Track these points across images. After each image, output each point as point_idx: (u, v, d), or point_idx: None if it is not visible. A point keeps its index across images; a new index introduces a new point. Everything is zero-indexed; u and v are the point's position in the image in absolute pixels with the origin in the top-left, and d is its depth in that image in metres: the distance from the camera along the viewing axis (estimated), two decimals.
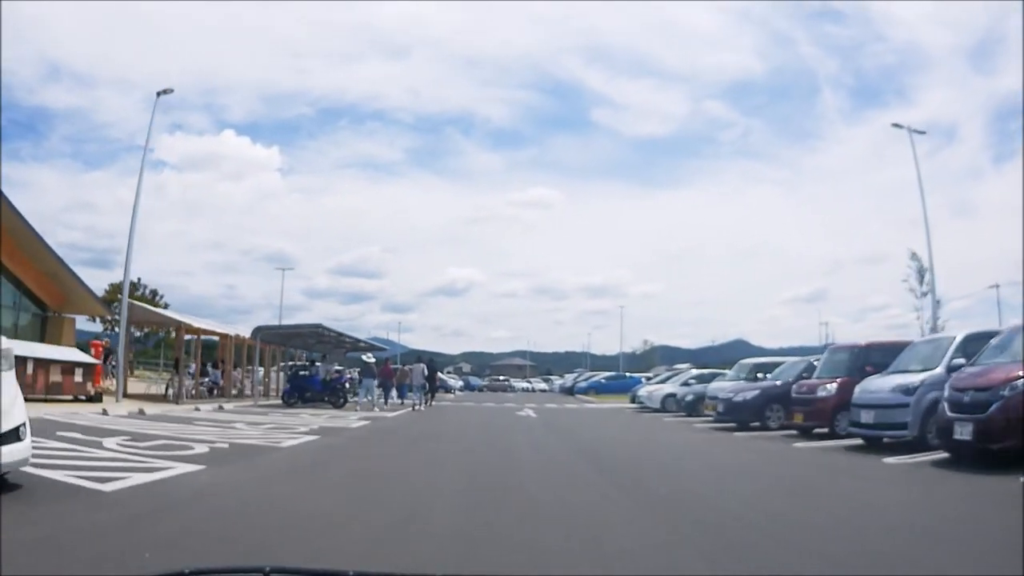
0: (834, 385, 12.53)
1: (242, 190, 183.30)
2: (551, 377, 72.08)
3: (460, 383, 47.55)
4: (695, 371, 23.88)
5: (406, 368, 24.97)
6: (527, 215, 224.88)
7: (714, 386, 18.84)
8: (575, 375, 52.42)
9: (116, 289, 52.30)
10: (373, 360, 22.01)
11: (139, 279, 57.05)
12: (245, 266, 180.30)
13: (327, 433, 11.57)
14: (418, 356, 23.94)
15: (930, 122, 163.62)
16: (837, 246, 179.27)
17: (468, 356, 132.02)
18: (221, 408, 17.90)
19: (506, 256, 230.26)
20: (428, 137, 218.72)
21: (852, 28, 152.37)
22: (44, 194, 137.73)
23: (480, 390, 38.96)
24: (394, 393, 24.54)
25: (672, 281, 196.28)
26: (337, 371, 21.79)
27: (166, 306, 54.62)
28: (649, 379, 42.43)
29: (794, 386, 13.69)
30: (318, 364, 23.83)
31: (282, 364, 26.19)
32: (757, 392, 15.07)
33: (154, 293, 55.19)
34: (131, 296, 46.08)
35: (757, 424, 14.62)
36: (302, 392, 20.49)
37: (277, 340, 21.45)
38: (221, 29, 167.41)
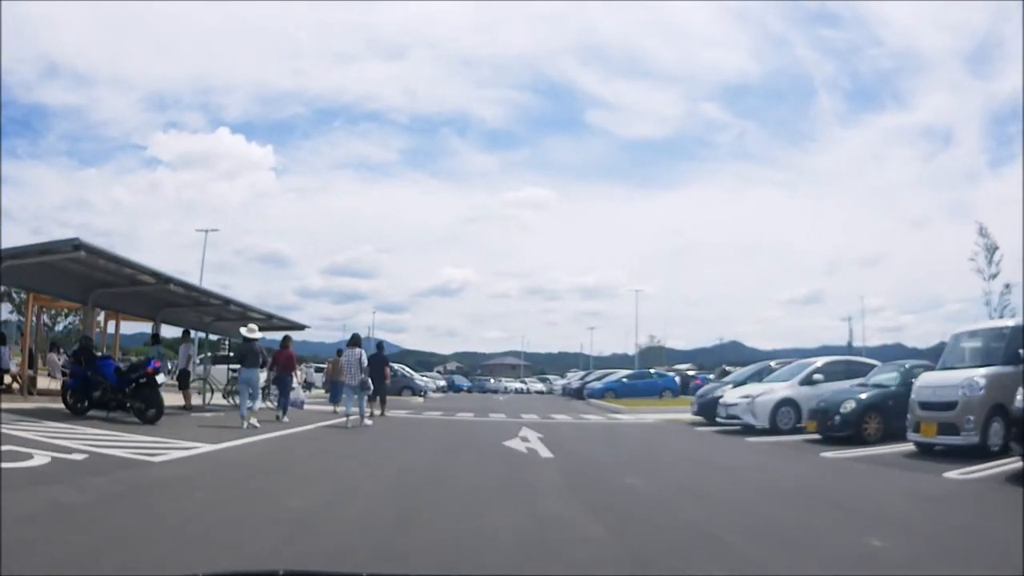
0: None
1: (236, 189, 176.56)
2: (548, 377, 61.83)
3: (434, 384, 36.85)
4: (816, 362, 13.77)
5: (339, 359, 14.66)
6: (521, 215, 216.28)
7: (936, 379, 8.95)
8: (581, 374, 42.14)
9: None
10: (258, 336, 11.91)
11: None
12: (239, 266, 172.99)
13: None
14: (354, 337, 13.35)
15: (926, 126, 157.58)
16: (833, 248, 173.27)
17: (461, 356, 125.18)
18: None
19: (500, 256, 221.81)
20: (423, 138, 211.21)
21: (848, 31, 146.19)
22: (41, 191, 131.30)
23: (422, 394, 27.07)
24: (301, 394, 14.41)
25: (666, 282, 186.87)
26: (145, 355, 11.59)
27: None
28: (698, 379, 32.35)
29: None
30: (159, 348, 13.80)
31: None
32: None
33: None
34: None
35: None
36: (89, 390, 10.35)
37: (37, 283, 11.04)
38: (218, 29, 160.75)
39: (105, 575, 2.91)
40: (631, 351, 69.57)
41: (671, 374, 32.92)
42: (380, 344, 16.40)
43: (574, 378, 40.77)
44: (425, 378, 33.29)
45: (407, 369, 30.90)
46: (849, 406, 10.79)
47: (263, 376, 14.83)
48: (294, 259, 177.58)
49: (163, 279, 10.86)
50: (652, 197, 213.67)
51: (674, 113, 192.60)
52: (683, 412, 18.82)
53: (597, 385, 30.74)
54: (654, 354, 74.21)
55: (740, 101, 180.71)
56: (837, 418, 10.77)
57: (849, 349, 50.64)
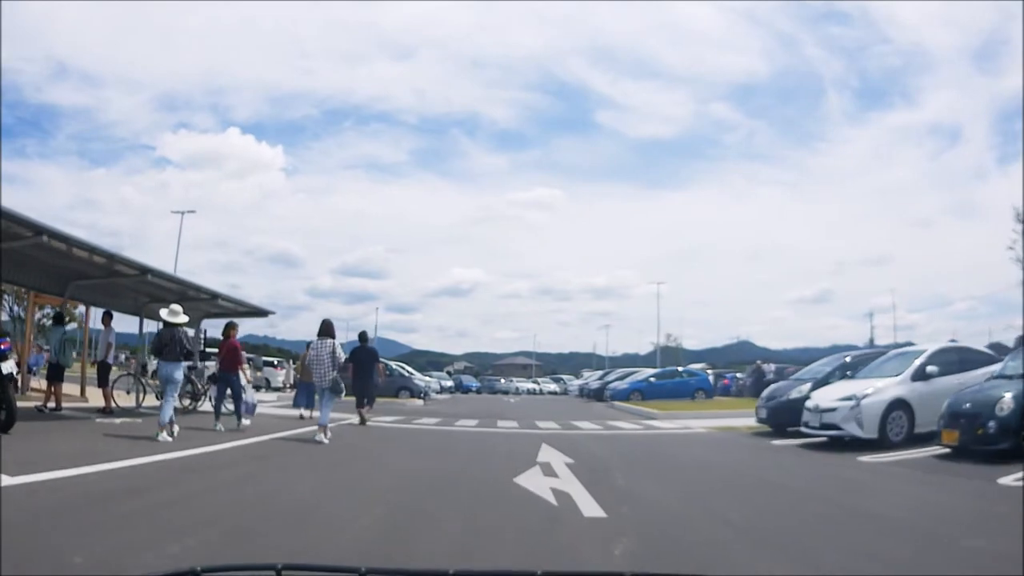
0: None
1: (246, 189, 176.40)
2: (562, 377, 58.59)
3: (438, 385, 33.61)
4: (926, 349, 10.47)
5: (308, 353, 11.46)
6: (531, 216, 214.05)
7: None
8: (599, 373, 38.85)
9: None
10: (181, 321, 8.85)
11: None
12: (249, 265, 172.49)
13: None
14: (324, 324, 9.94)
15: (933, 124, 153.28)
16: (842, 247, 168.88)
17: (472, 356, 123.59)
18: None
19: (510, 257, 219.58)
20: (432, 138, 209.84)
21: (857, 30, 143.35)
22: (49, 192, 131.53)
23: (421, 396, 23.46)
24: (252, 396, 11.39)
25: (676, 282, 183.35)
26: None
27: None
28: (726, 379, 29.06)
29: None
30: (61, 330, 11.04)
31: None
32: None
33: None
34: None
35: None
36: None
37: None
38: (227, 30, 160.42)
39: None
40: (643, 351, 66.47)
41: (704, 372, 29.66)
42: (364, 335, 13.21)
43: (592, 378, 37.49)
44: (427, 378, 30.04)
45: (405, 368, 27.81)
46: (1006, 406, 7.57)
47: (208, 371, 11.96)
48: (304, 259, 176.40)
49: (35, 228, 7.79)
50: (661, 197, 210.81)
51: (683, 113, 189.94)
52: (730, 417, 15.55)
53: (622, 386, 27.43)
54: (671, 353, 71.01)
55: (749, 101, 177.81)
56: (992, 424, 7.54)
57: (871, 346, 47.76)
